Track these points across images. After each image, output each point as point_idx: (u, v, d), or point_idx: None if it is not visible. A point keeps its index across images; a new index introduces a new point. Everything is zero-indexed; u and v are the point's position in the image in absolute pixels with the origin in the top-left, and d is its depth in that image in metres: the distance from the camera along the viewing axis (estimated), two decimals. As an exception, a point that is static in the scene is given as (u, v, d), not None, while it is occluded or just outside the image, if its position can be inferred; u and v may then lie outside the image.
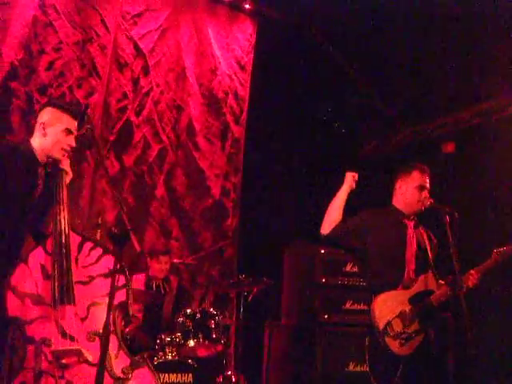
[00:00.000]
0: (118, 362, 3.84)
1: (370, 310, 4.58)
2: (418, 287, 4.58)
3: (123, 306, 4.08)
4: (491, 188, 7.05)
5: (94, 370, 3.41)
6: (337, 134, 8.64)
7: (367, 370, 5.99)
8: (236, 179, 8.26)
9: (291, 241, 7.60)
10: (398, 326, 4.47)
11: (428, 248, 4.71)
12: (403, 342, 4.44)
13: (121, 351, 3.92)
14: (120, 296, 3.97)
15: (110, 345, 3.56)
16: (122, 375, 3.79)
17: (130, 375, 3.80)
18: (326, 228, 4.95)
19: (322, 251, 6.84)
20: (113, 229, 3.27)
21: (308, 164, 8.55)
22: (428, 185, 4.81)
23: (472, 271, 4.54)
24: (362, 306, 6.82)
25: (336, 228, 4.89)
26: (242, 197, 8.27)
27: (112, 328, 3.73)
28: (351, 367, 6.58)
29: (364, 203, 5.01)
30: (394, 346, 4.45)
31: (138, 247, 3.26)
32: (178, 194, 7.84)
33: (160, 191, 7.72)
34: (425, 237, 4.79)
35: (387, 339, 4.45)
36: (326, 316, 6.68)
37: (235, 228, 8.15)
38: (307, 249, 7.10)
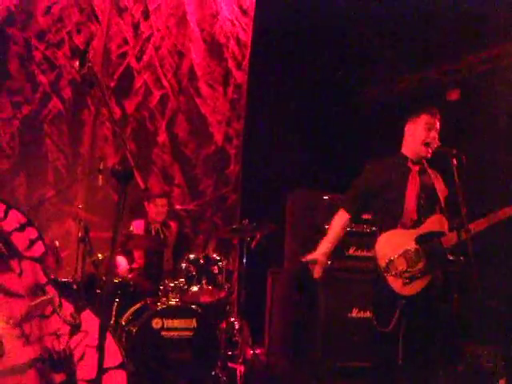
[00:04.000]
0: (65, 309, 3.78)
1: (375, 247, 4.56)
2: (426, 227, 4.51)
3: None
4: (497, 136, 6.96)
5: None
6: (340, 80, 8.51)
7: (370, 315, 6.11)
8: (239, 125, 8.17)
9: (294, 187, 7.55)
10: (401, 265, 4.40)
11: (437, 190, 4.62)
12: (407, 281, 4.39)
13: (62, 299, 3.84)
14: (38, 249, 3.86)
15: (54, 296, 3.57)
16: (72, 320, 3.74)
17: (78, 319, 3.76)
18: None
19: (326, 197, 6.77)
20: (116, 166, 3.18)
21: (311, 110, 8.44)
22: (437, 127, 4.68)
23: (481, 220, 4.44)
24: (365, 252, 6.78)
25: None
26: (244, 143, 8.19)
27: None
28: (354, 313, 6.58)
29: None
30: (397, 284, 4.40)
31: (142, 184, 3.19)
32: (180, 141, 7.80)
33: (162, 137, 7.67)
34: (434, 180, 4.69)
35: (389, 277, 4.41)
36: (329, 262, 6.64)
37: (238, 174, 8.11)
38: (310, 195, 7.04)
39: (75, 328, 3.71)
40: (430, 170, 4.74)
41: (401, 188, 4.61)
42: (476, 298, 4.38)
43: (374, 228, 6.71)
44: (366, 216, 6.80)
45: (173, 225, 6.85)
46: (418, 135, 4.67)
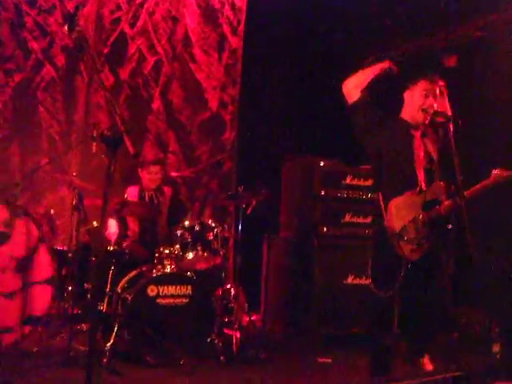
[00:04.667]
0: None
1: (387, 213, 4.57)
2: (429, 195, 4.57)
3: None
4: (494, 102, 6.90)
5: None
6: (337, 47, 8.39)
7: (366, 282, 6.14)
8: (234, 91, 8.11)
9: (290, 153, 7.51)
10: (411, 232, 4.51)
11: (435, 157, 4.65)
12: (415, 247, 4.50)
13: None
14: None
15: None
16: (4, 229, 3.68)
17: (11, 226, 3.69)
18: (354, 95, 4.81)
19: (322, 163, 6.74)
20: (105, 131, 3.15)
21: (308, 76, 8.36)
22: (437, 93, 4.68)
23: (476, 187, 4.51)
24: (361, 219, 6.78)
25: (364, 94, 4.78)
26: (240, 109, 8.13)
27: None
28: (350, 280, 6.59)
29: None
30: (407, 250, 4.50)
31: (131, 149, 3.16)
32: (175, 107, 7.76)
33: (156, 104, 7.63)
34: (432, 146, 4.72)
35: (401, 243, 4.49)
36: (324, 229, 6.64)
37: (233, 141, 8.07)
38: (306, 161, 7.00)
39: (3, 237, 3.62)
40: (427, 136, 4.75)
41: (407, 155, 4.64)
42: (470, 265, 4.37)
43: (370, 195, 6.74)
44: (362, 182, 6.81)
45: (167, 190, 6.79)
46: (416, 101, 4.69)
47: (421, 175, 4.61)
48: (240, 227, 6.25)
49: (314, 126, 8.03)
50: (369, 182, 6.81)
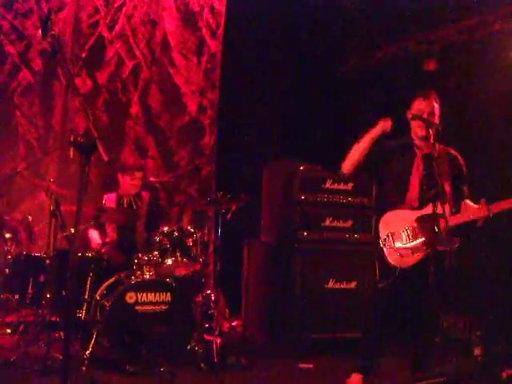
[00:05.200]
0: None
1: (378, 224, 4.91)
2: (426, 210, 4.68)
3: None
4: (474, 105, 6.94)
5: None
6: (318, 52, 8.38)
7: (347, 286, 6.08)
8: (213, 95, 8.08)
9: (270, 158, 7.49)
10: (399, 240, 4.75)
11: (437, 175, 4.66)
12: (401, 255, 4.70)
13: None
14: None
15: None
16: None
17: None
18: (349, 167, 5.03)
19: (301, 168, 6.72)
20: (79, 138, 3.11)
21: (288, 81, 8.34)
22: (429, 110, 4.81)
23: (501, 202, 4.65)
24: (341, 223, 6.77)
25: (358, 167, 4.99)
26: (219, 114, 8.09)
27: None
28: (331, 284, 6.57)
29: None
30: (392, 257, 4.73)
31: (105, 157, 3.11)
32: (154, 112, 7.72)
33: (135, 109, 7.58)
34: (439, 163, 4.78)
35: (386, 250, 4.75)
36: (305, 233, 6.62)
37: (213, 146, 8.03)
38: (286, 166, 6.99)
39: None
40: (438, 152, 4.84)
41: (406, 174, 4.88)
42: (451, 270, 4.52)
43: (350, 198, 6.74)
44: (341, 187, 6.80)
45: (145, 195, 6.73)
46: (413, 122, 4.86)
47: (416, 196, 4.82)
48: (220, 232, 6.20)
49: (295, 131, 8.02)
50: (348, 187, 6.82)
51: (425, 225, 4.67)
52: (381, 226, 4.87)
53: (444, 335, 5.90)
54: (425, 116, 4.76)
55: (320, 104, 8.13)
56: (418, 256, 4.68)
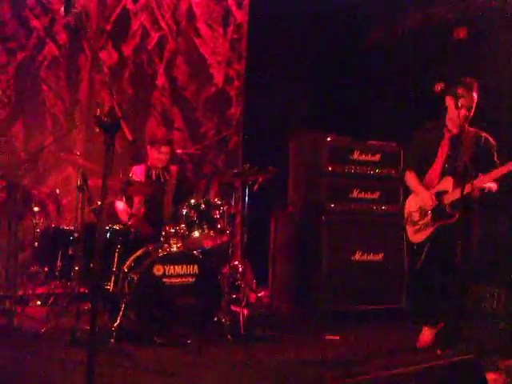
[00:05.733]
0: None
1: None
2: (440, 187, 5.12)
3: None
4: (503, 75, 6.80)
5: None
6: (343, 20, 8.24)
7: (374, 258, 6.53)
8: (239, 66, 8.01)
9: (297, 129, 7.44)
10: (415, 217, 5.24)
11: (460, 154, 4.95)
12: (416, 230, 5.23)
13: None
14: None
15: None
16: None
17: None
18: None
19: (329, 139, 6.67)
20: (103, 118, 3.11)
21: (314, 50, 8.23)
22: (469, 100, 4.98)
23: (481, 175, 4.90)
24: (369, 195, 6.73)
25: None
26: (246, 84, 8.03)
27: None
28: (358, 255, 6.56)
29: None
30: (410, 232, 5.31)
31: (129, 136, 3.12)
32: (180, 83, 7.68)
33: (161, 80, 7.56)
34: (463, 147, 4.99)
35: (406, 226, 5.35)
36: (332, 205, 6.60)
37: (239, 117, 7.98)
38: (314, 136, 6.93)
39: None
40: (466, 134, 5.05)
41: (432, 155, 5.22)
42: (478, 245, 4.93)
43: (377, 170, 6.69)
44: (369, 158, 6.74)
45: (173, 169, 6.75)
46: (451, 110, 5.07)
47: (436, 176, 5.18)
48: (247, 204, 6.19)
49: (322, 101, 7.93)
50: (376, 158, 6.77)
51: (428, 202, 5.13)
52: (405, 204, 5.41)
53: (471, 308, 5.89)
54: (464, 106, 4.91)
55: (346, 73, 8.01)
56: (427, 231, 5.14)
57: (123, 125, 3.08)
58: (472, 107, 5.00)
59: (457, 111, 4.89)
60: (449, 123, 5.19)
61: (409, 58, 7.60)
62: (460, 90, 4.92)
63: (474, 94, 5.02)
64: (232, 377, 4.62)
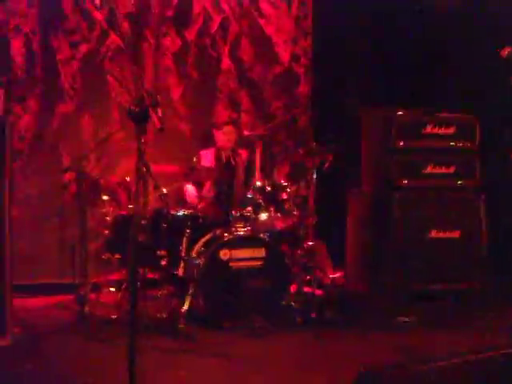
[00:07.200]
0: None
1: None
2: None
3: None
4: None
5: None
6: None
7: (450, 235, 6.19)
8: (306, 43, 7.85)
9: (368, 104, 7.23)
10: None
11: None
12: None
13: None
14: None
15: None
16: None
17: None
18: None
19: (400, 113, 6.45)
20: (132, 107, 3.09)
21: (382, 24, 7.93)
22: None
23: None
24: (444, 169, 6.46)
25: None
26: (313, 62, 7.87)
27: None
28: (433, 233, 6.32)
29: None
30: None
31: (157, 124, 3.10)
32: (245, 65, 7.60)
33: (226, 63, 7.49)
34: None
35: None
36: (405, 181, 6.38)
37: (308, 95, 7.84)
38: (384, 112, 6.71)
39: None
40: None
41: None
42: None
43: (452, 143, 6.42)
44: (443, 131, 6.48)
45: (242, 153, 6.79)
46: None
47: None
48: (318, 183, 6.07)
49: (391, 76, 7.66)
50: (451, 130, 6.48)
51: None
52: None
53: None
54: None
55: (416, 47, 7.69)
56: None
57: (151, 113, 3.05)
58: None
59: None
60: None
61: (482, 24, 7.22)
62: None
63: None
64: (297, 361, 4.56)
